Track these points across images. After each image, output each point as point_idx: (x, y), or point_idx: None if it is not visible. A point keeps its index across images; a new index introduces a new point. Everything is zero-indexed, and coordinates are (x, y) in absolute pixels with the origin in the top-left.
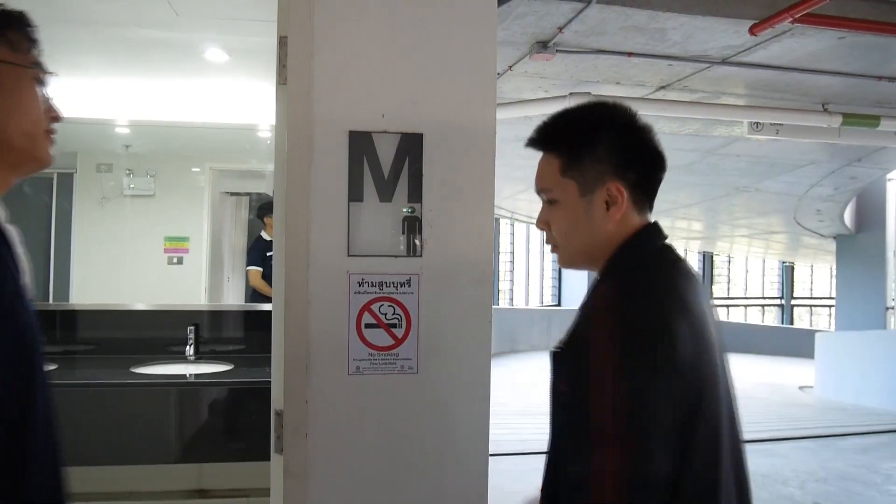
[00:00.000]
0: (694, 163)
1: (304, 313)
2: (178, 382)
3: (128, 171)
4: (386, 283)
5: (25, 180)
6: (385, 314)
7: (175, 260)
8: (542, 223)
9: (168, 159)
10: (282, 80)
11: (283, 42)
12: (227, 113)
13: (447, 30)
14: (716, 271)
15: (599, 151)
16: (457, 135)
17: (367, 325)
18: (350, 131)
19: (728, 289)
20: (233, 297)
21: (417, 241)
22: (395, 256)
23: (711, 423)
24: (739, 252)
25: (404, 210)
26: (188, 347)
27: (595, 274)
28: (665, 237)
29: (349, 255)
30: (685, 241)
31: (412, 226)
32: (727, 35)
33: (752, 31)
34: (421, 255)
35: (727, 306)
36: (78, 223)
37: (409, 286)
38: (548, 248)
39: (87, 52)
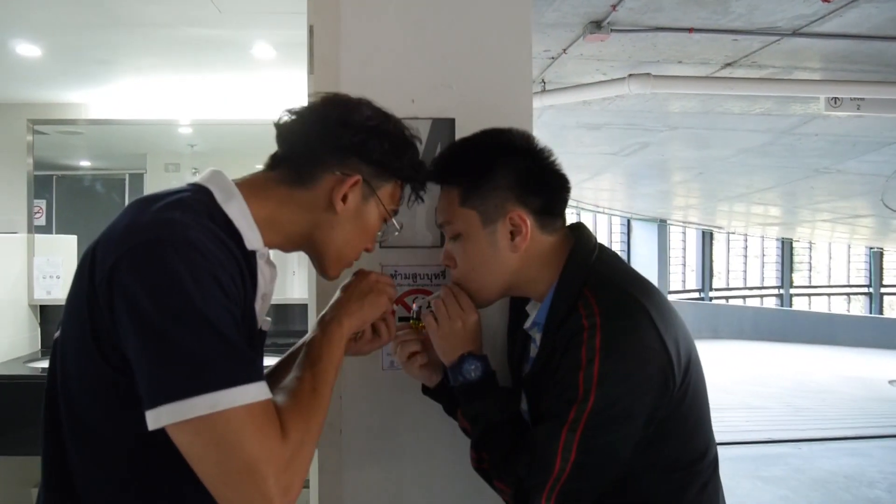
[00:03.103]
0: (767, 144)
1: None
2: None
3: (193, 170)
4: (420, 274)
5: (99, 181)
6: (428, 306)
7: None
8: (447, 259)
9: (231, 157)
10: (311, 69)
11: (311, 31)
12: (282, 108)
13: (478, 10)
14: (796, 258)
15: (498, 179)
16: (491, 119)
17: (402, 319)
18: None
19: (810, 277)
20: (299, 291)
21: None
22: (429, 247)
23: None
24: (822, 238)
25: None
26: None
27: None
28: (589, 232)
29: (381, 247)
30: (762, 227)
31: None
32: (796, 4)
33: None
34: None
35: (809, 295)
36: None
37: (445, 278)
38: (616, 237)
39: (143, 53)
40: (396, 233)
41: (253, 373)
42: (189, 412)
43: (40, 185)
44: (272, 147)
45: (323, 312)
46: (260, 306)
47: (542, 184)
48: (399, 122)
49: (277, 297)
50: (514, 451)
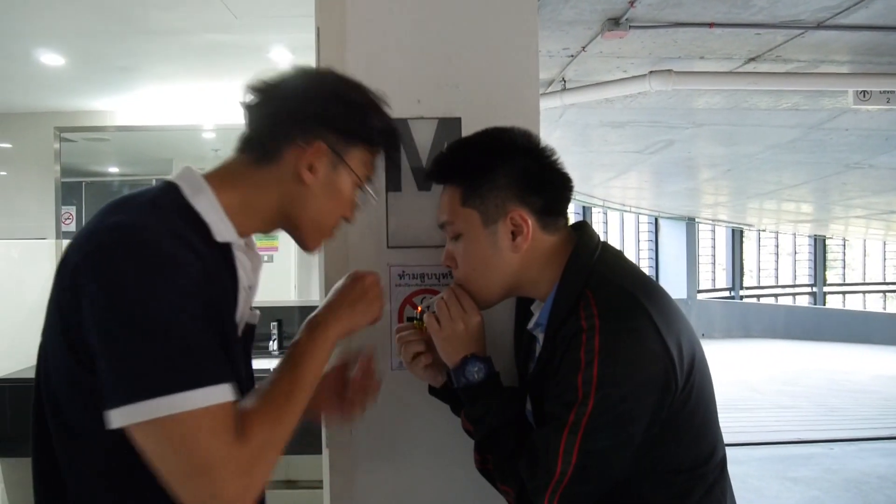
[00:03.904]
0: (796, 140)
1: None
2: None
3: None
4: (428, 274)
5: (126, 187)
6: (428, 307)
7: (266, 258)
8: (448, 259)
9: None
10: None
11: (318, 34)
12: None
13: (483, 9)
14: (829, 256)
15: (499, 178)
16: (498, 118)
17: (408, 319)
18: None
19: (844, 274)
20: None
21: None
22: (437, 247)
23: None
24: (856, 235)
25: None
26: (271, 342)
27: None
28: (592, 231)
29: (389, 247)
30: (793, 224)
31: None
32: None
33: None
34: None
35: (843, 293)
36: None
37: (453, 277)
38: (643, 236)
39: (163, 60)
40: (374, 202)
41: (213, 374)
42: (145, 414)
43: (70, 192)
44: None
45: (313, 314)
46: (244, 299)
47: (544, 183)
48: (363, 86)
49: (303, 299)
50: (516, 454)
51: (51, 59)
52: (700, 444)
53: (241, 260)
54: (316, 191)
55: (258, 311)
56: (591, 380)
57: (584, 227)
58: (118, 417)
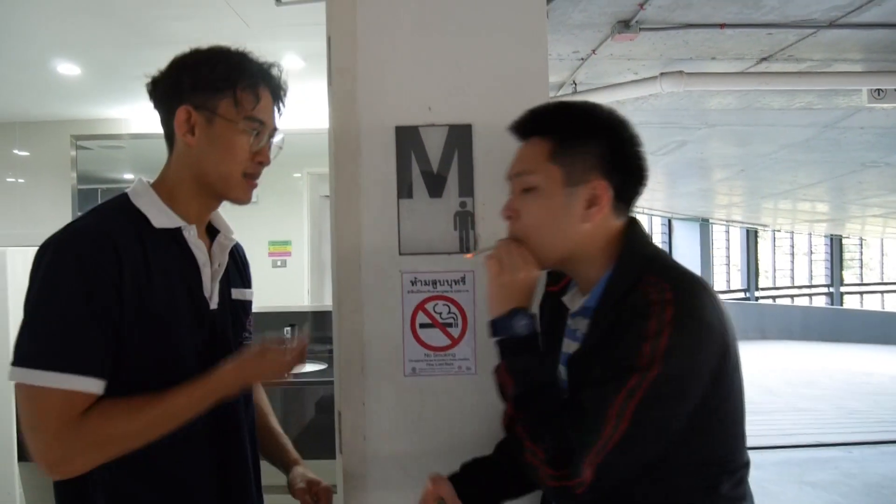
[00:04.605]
0: (811, 139)
1: (357, 314)
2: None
3: None
4: (440, 281)
5: None
6: (440, 313)
7: (279, 263)
8: (510, 210)
9: (268, 167)
10: (330, 80)
11: (329, 42)
12: (316, 118)
13: (492, 16)
14: (846, 255)
15: (592, 145)
16: (508, 123)
17: (422, 325)
18: (396, 127)
19: (861, 274)
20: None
21: (471, 237)
22: (449, 253)
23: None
24: (873, 234)
25: (456, 205)
26: None
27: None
28: (642, 226)
29: (401, 254)
30: (809, 224)
31: (464, 221)
32: None
33: None
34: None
35: (861, 293)
36: None
37: (464, 283)
38: (657, 238)
39: None
40: (275, 139)
41: (74, 364)
42: (15, 376)
43: (87, 199)
44: (305, 155)
45: (230, 360)
46: (208, 275)
47: (630, 167)
48: (218, 47)
49: (315, 304)
50: (557, 414)
51: (67, 68)
52: (733, 438)
53: (193, 242)
54: (204, 147)
55: (251, 290)
56: (658, 348)
57: (636, 222)
58: (7, 372)
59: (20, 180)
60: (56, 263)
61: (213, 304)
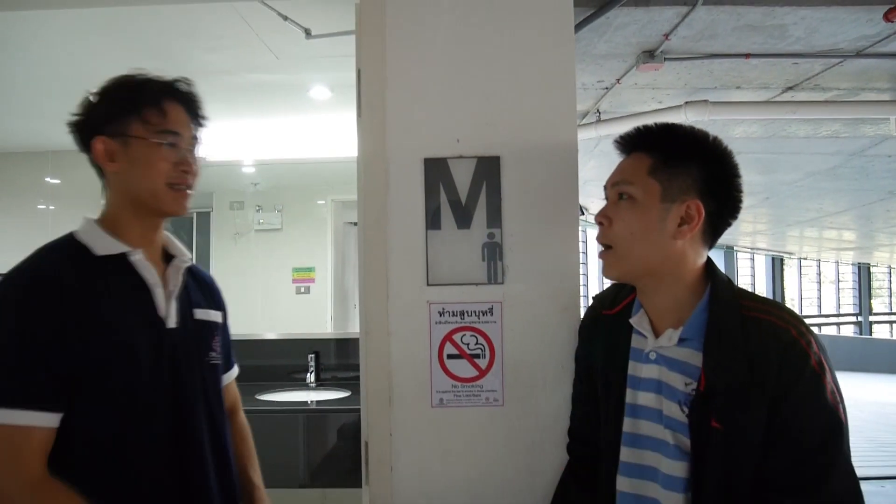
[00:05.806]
0: (837, 167)
1: (385, 345)
2: (289, 410)
3: (257, 207)
4: (467, 311)
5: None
6: (468, 344)
7: (303, 290)
8: (604, 217)
9: (292, 194)
10: (359, 112)
11: (359, 76)
12: (341, 146)
13: (522, 49)
14: (875, 284)
15: (692, 167)
16: (536, 156)
17: (450, 356)
18: (425, 158)
19: (890, 303)
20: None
21: (499, 268)
22: (476, 284)
23: None
24: None
25: (484, 236)
26: (309, 374)
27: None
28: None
29: (429, 285)
30: (836, 252)
31: (492, 252)
32: (858, 25)
33: (887, 17)
34: (503, 283)
35: (890, 322)
36: (215, 257)
37: (492, 314)
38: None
39: (208, 100)
40: (192, 147)
41: (13, 399)
42: None
43: None
44: (329, 182)
45: None
46: (161, 299)
47: (726, 195)
48: (116, 77)
49: (339, 331)
50: None
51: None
52: None
53: (141, 265)
54: (127, 170)
55: (217, 312)
56: (835, 391)
57: (710, 260)
58: None
59: (51, 207)
60: (2, 303)
61: (172, 324)
